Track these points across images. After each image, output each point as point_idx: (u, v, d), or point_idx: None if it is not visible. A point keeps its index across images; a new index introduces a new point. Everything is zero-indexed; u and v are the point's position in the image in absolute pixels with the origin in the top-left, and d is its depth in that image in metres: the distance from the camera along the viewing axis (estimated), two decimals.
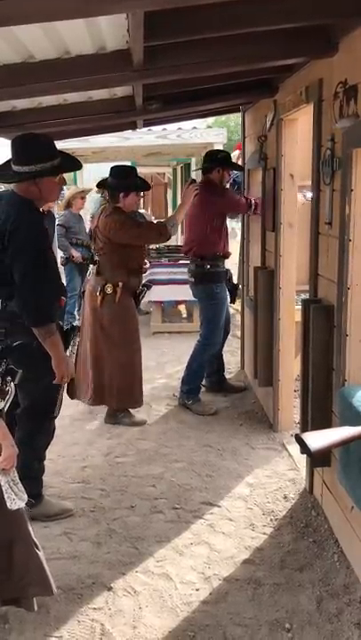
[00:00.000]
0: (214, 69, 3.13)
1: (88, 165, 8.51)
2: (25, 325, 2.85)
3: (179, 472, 3.77)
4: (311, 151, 3.16)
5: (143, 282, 4.69)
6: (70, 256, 7.24)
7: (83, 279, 6.39)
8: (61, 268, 6.55)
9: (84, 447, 4.17)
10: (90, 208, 8.72)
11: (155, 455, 4.03)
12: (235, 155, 7.18)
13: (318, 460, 2.98)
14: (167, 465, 3.87)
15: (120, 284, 4.28)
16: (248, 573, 2.79)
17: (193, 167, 10.03)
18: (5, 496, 2.20)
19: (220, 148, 6.87)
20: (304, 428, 3.15)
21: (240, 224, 5.91)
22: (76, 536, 3.11)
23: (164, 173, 15.10)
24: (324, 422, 2.93)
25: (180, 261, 6.85)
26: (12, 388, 2.33)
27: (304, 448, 1.96)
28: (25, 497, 2.29)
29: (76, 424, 4.56)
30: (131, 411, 4.59)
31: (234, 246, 5.94)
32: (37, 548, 2.39)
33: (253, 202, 4.65)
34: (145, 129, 6.33)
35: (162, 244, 8.05)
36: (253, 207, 4.65)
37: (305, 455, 3.16)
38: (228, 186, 5.19)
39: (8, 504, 2.20)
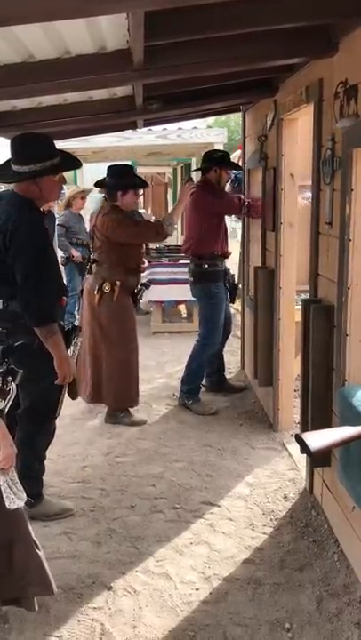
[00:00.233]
0: (215, 69, 3.13)
1: (88, 165, 8.50)
2: (26, 325, 2.85)
3: (179, 472, 3.77)
4: (311, 151, 3.16)
5: (143, 281, 4.69)
6: (70, 256, 7.26)
7: (83, 279, 6.39)
8: (62, 268, 6.55)
9: (85, 447, 4.17)
10: (90, 208, 8.70)
11: (155, 455, 4.03)
12: (236, 155, 7.17)
13: (318, 459, 2.98)
14: (167, 465, 3.87)
15: (118, 282, 4.30)
16: (248, 573, 2.79)
17: (193, 167, 10.03)
18: (4, 496, 2.20)
19: (221, 147, 6.87)
20: (304, 428, 3.15)
21: (240, 224, 5.91)
22: (76, 535, 3.11)
23: (164, 173, 15.09)
24: (324, 422, 2.94)
25: (181, 261, 6.86)
26: (13, 388, 2.32)
27: (304, 448, 1.96)
28: (24, 496, 2.29)
29: (77, 423, 4.56)
30: (131, 410, 4.59)
31: (234, 246, 5.94)
32: (37, 548, 2.38)
33: (247, 203, 4.64)
34: (145, 129, 6.33)
35: (162, 244, 8.07)
36: (246, 209, 4.63)
37: (305, 455, 3.16)
38: (228, 184, 5.19)
39: (7, 503, 2.19)
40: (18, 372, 2.34)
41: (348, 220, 2.60)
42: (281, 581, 2.72)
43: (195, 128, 7.75)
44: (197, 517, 3.26)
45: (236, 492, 3.52)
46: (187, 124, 7.51)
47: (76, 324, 3.87)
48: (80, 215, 7.48)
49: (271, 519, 3.23)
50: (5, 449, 2.16)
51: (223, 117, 17.35)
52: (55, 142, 3.02)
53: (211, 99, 4.29)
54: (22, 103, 3.48)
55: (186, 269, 5.05)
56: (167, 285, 7.10)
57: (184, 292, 5.64)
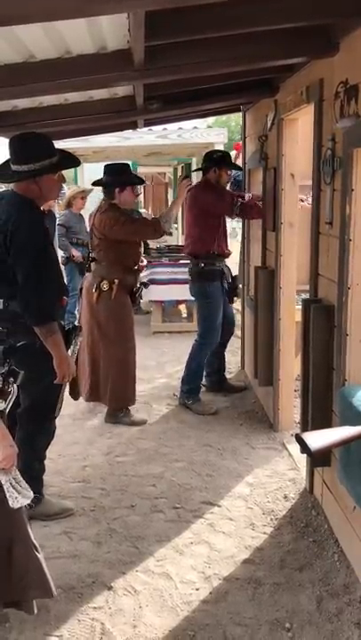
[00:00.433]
0: (215, 69, 3.13)
1: (89, 165, 8.50)
2: (27, 325, 2.85)
3: (179, 471, 3.77)
4: (312, 151, 3.16)
5: (142, 280, 4.71)
6: (71, 255, 7.27)
7: (83, 278, 6.40)
8: (62, 268, 6.55)
9: (85, 446, 4.17)
10: (91, 208, 8.69)
11: (155, 455, 4.03)
12: (232, 155, 7.17)
13: (319, 459, 2.98)
14: (167, 464, 3.87)
15: (116, 281, 4.32)
16: (248, 573, 2.80)
17: (193, 167, 10.04)
18: (7, 495, 2.19)
19: (221, 147, 6.87)
20: (304, 428, 3.15)
21: (241, 224, 5.91)
22: (77, 535, 3.11)
23: (164, 173, 15.09)
24: (324, 422, 2.94)
25: (181, 261, 6.87)
26: (14, 389, 2.32)
27: (304, 448, 1.96)
28: (30, 494, 2.27)
29: (77, 423, 4.56)
30: (131, 410, 4.59)
31: (234, 246, 5.94)
32: (37, 551, 2.38)
33: (239, 204, 4.62)
34: (145, 129, 6.34)
35: (162, 244, 8.08)
36: (238, 209, 4.62)
37: (305, 455, 3.16)
38: (228, 185, 5.19)
39: (10, 503, 2.18)
40: (19, 373, 2.34)
41: (349, 219, 2.60)
42: (281, 581, 2.72)
43: (195, 128, 7.75)
44: (198, 517, 3.26)
45: (236, 491, 3.52)
46: (187, 124, 7.51)
47: (77, 323, 3.87)
48: (80, 215, 7.49)
49: (271, 519, 3.23)
50: (5, 449, 2.16)
51: (224, 117, 17.35)
52: (56, 142, 3.03)
53: (211, 99, 4.29)
54: (23, 103, 3.48)
55: (186, 269, 5.06)
56: (167, 285, 7.11)
57: (184, 292, 5.65)
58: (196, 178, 7.20)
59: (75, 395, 3.78)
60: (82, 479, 3.70)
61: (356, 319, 2.68)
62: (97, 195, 4.61)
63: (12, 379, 2.30)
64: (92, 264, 4.46)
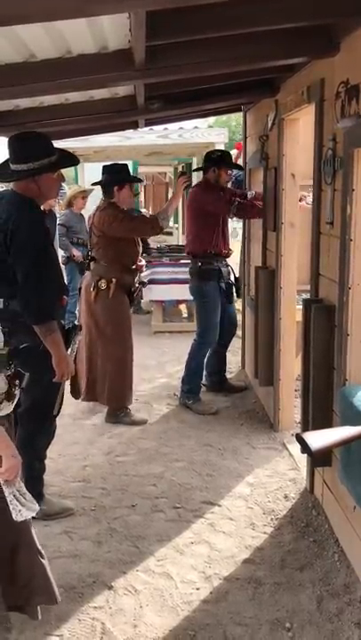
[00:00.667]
0: (216, 69, 3.13)
1: (89, 165, 8.50)
2: (27, 324, 2.86)
3: (179, 471, 3.77)
4: (313, 151, 3.16)
5: (141, 280, 4.72)
6: (71, 255, 7.27)
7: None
8: (62, 268, 6.55)
9: (85, 446, 4.18)
10: (91, 208, 8.69)
11: (155, 454, 4.03)
12: (232, 154, 7.17)
13: (319, 459, 2.98)
14: (168, 464, 3.87)
15: (113, 280, 4.35)
16: (248, 573, 2.80)
17: (194, 167, 10.05)
18: (11, 508, 2.14)
19: (222, 147, 6.87)
20: (305, 428, 3.15)
21: (241, 223, 5.91)
22: (77, 535, 3.11)
23: (165, 173, 15.08)
24: (324, 422, 2.94)
25: (181, 261, 6.88)
26: (18, 392, 2.29)
27: (305, 448, 1.96)
28: (36, 507, 2.24)
29: (77, 423, 4.56)
30: (131, 410, 4.60)
31: (235, 246, 5.94)
32: (42, 557, 2.35)
33: (236, 203, 4.62)
34: (146, 128, 6.34)
35: (163, 244, 8.09)
36: (235, 209, 4.62)
37: (306, 455, 3.16)
38: (229, 185, 5.19)
39: (13, 515, 2.14)
40: (24, 376, 2.32)
41: (350, 219, 2.60)
42: (281, 581, 2.72)
43: (196, 128, 7.75)
44: (198, 517, 3.26)
45: (236, 491, 3.52)
46: (188, 124, 7.51)
47: (77, 322, 3.88)
48: (81, 215, 7.49)
49: (272, 519, 3.23)
50: (8, 459, 2.11)
51: (224, 117, 17.33)
52: (56, 142, 3.03)
53: (212, 98, 4.30)
54: (24, 103, 3.48)
55: (186, 269, 5.07)
56: (168, 285, 7.12)
57: (185, 292, 5.65)
58: (197, 178, 7.21)
59: (76, 393, 3.79)
60: (82, 479, 3.70)
61: (357, 319, 2.68)
62: (98, 194, 4.63)
63: (17, 381, 2.25)
64: (92, 263, 4.48)
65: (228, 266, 4.94)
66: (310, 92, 3.19)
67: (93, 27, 2.30)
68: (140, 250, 4.64)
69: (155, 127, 7.09)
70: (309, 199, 3.52)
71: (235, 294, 5.08)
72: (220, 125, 12.09)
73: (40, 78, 2.71)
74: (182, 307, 7.93)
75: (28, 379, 2.34)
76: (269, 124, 4.22)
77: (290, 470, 3.74)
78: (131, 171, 4.75)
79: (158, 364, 6.05)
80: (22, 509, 2.16)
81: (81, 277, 6.94)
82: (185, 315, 7.85)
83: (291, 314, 4.11)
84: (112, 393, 4.48)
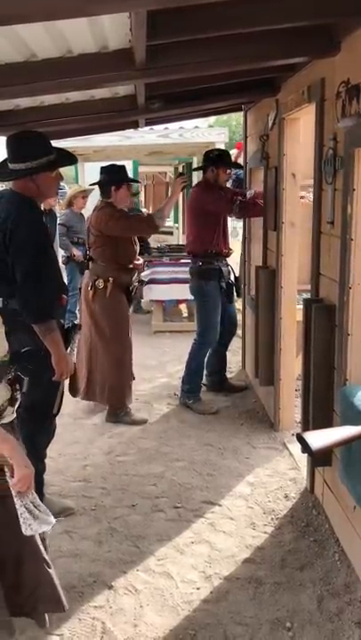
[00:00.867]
0: (216, 69, 3.13)
1: (89, 164, 8.50)
2: (26, 324, 2.86)
3: (180, 471, 3.77)
4: (313, 150, 3.16)
5: (140, 279, 4.74)
6: (72, 255, 7.28)
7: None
8: (63, 267, 6.56)
9: (85, 446, 4.18)
10: (91, 208, 8.69)
11: (156, 454, 4.03)
12: (232, 154, 7.17)
13: (319, 459, 2.98)
14: (168, 464, 3.87)
15: (111, 279, 4.37)
16: (249, 572, 2.80)
17: (194, 166, 10.05)
18: (20, 520, 2.06)
19: (222, 147, 6.87)
20: (305, 428, 3.15)
21: (241, 223, 5.91)
22: (77, 534, 3.11)
23: (165, 172, 15.08)
24: (325, 421, 2.94)
25: (182, 260, 6.88)
26: (19, 395, 2.28)
27: (305, 447, 1.96)
28: (51, 519, 2.15)
29: (77, 422, 4.56)
30: (131, 409, 4.60)
31: (235, 245, 5.94)
32: (48, 566, 2.30)
33: (238, 202, 4.62)
34: (147, 128, 6.35)
35: (163, 243, 8.10)
36: (238, 208, 4.62)
37: (306, 454, 3.16)
38: (230, 183, 5.20)
39: (23, 529, 2.05)
40: (24, 380, 2.30)
41: (350, 219, 2.60)
42: (282, 581, 2.72)
43: (196, 127, 7.75)
44: (198, 516, 3.27)
45: (236, 491, 3.52)
46: (188, 124, 7.51)
47: (77, 322, 3.89)
48: (81, 214, 7.49)
49: (272, 518, 3.23)
50: (21, 469, 2.00)
51: (225, 117, 17.33)
52: (57, 141, 3.03)
53: (212, 98, 4.30)
54: (25, 102, 3.48)
55: (187, 269, 5.07)
56: (168, 285, 7.12)
57: (185, 292, 5.66)
58: (196, 177, 7.21)
59: (74, 391, 3.79)
60: (82, 478, 3.70)
61: (358, 319, 2.68)
62: (98, 194, 4.64)
63: (17, 385, 2.22)
64: (90, 263, 4.51)
65: (228, 265, 4.94)
66: (311, 92, 3.19)
67: (94, 26, 2.30)
68: (138, 249, 4.66)
69: (155, 127, 7.09)
70: (310, 196, 3.51)
71: (235, 294, 5.08)
72: (220, 125, 12.07)
73: (41, 78, 2.71)
74: (183, 306, 7.93)
75: (28, 382, 2.33)
76: (270, 124, 4.22)
77: (290, 470, 3.74)
78: (131, 170, 4.77)
79: (159, 363, 6.05)
80: (33, 523, 2.07)
81: (81, 277, 6.98)
82: (185, 314, 7.84)
83: (291, 313, 4.11)
84: (111, 392, 4.49)
